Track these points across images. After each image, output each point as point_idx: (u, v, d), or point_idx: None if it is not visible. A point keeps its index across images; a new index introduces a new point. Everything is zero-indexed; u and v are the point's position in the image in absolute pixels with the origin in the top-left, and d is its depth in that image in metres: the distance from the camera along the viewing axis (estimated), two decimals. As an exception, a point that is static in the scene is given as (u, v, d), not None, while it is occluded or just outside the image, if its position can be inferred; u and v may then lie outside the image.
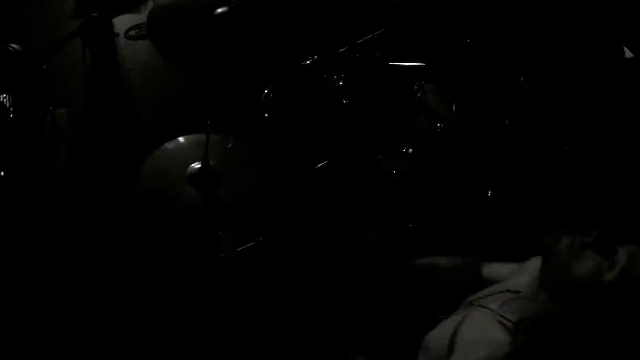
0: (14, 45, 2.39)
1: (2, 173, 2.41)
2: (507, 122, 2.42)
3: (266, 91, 2.27)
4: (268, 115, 2.26)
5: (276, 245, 2.27)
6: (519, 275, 1.64)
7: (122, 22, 2.86)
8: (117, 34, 2.59)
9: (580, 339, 1.28)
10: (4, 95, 2.35)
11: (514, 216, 2.26)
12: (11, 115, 2.36)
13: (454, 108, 2.50)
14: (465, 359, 1.37)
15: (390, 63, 2.58)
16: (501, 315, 1.38)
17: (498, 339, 1.33)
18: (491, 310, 1.44)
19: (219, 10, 2.06)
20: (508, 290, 1.54)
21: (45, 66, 2.40)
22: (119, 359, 2.14)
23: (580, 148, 2.26)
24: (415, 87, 2.58)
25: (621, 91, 2.37)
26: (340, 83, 2.42)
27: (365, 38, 2.54)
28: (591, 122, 2.32)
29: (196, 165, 2.18)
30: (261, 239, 2.29)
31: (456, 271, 2.00)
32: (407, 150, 2.46)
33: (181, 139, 2.31)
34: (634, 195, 2.17)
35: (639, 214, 2.11)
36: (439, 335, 1.57)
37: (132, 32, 2.63)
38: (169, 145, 2.30)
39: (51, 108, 2.48)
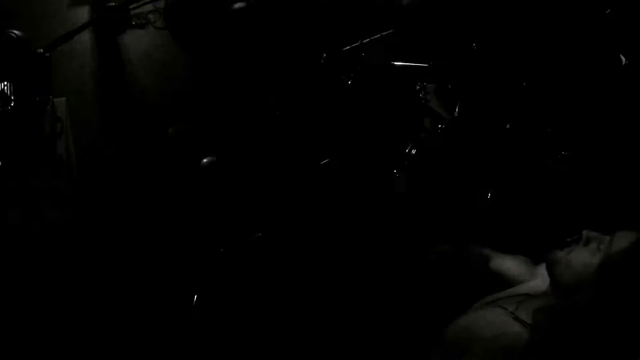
0: (15, 32, 2.30)
1: (1, 163, 2.35)
2: (508, 125, 2.49)
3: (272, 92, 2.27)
4: (278, 113, 2.26)
5: (277, 241, 2.29)
6: (534, 280, 1.70)
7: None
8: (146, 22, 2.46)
9: (590, 335, 1.34)
10: (5, 83, 2.28)
11: (514, 217, 2.33)
12: (12, 104, 2.30)
13: (456, 110, 2.56)
14: (483, 352, 1.40)
15: (394, 63, 2.63)
16: (517, 316, 1.43)
17: (515, 333, 1.37)
18: (507, 310, 1.50)
19: (237, 5, 2.02)
20: (526, 294, 1.61)
21: (48, 54, 2.32)
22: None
23: (577, 155, 2.33)
24: (418, 87, 2.63)
25: (618, 96, 2.46)
26: (349, 82, 2.43)
27: (372, 38, 2.56)
28: (589, 127, 2.40)
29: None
30: (260, 234, 2.31)
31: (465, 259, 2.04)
32: (410, 150, 2.50)
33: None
34: (629, 199, 2.26)
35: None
36: (455, 329, 1.61)
37: (134, 21, 2.57)
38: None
39: (51, 97, 2.41)
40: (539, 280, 1.65)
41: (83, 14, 2.74)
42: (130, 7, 1.92)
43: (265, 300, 2.18)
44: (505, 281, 1.78)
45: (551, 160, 2.41)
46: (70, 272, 2.26)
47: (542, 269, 1.86)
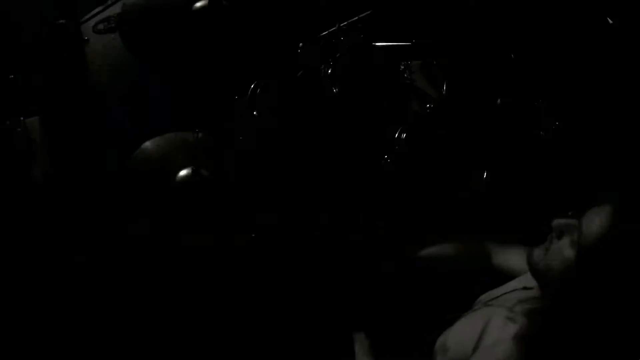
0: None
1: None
2: (499, 101, 2.40)
3: (253, 86, 2.16)
4: (257, 111, 2.15)
5: (271, 241, 2.22)
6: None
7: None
8: (87, 40, 2.38)
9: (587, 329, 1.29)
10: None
11: (510, 197, 2.27)
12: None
13: (444, 88, 2.47)
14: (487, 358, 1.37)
15: (375, 44, 2.52)
16: (516, 314, 1.40)
17: (516, 336, 1.33)
18: (507, 308, 1.46)
19: (198, 4, 1.90)
20: (524, 288, 1.56)
21: (12, 76, 2.22)
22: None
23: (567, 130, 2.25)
24: (402, 67, 2.53)
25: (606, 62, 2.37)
26: (329, 71, 2.32)
27: (350, 20, 2.44)
28: (580, 99, 2.32)
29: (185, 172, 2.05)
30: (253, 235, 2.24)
31: (465, 255, 2.01)
32: (400, 135, 2.41)
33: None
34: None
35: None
36: (458, 335, 1.58)
37: (100, 26, 2.44)
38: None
39: (22, 118, 2.31)
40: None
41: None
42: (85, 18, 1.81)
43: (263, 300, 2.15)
44: (509, 276, 1.73)
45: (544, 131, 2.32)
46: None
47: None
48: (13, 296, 2.15)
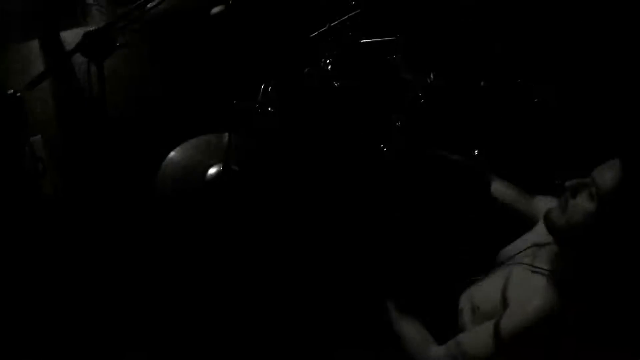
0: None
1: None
2: (482, 83, 2.59)
3: (263, 87, 2.26)
4: (270, 110, 2.25)
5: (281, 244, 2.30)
6: (537, 227, 1.76)
7: (73, 37, 2.71)
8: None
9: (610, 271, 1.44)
10: (-20, 127, 2.16)
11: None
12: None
13: (430, 77, 2.64)
14: (522, 309, 1.45)
15: (363, 40, 2.67)
16: (538, 267, 1.51)
17: (546, 288, 1.44)
18: (526, 264, 1.56)
19: (216, 9, 1.98)
20: (534, 245, 1.67)
21: (19, 94, 2.21)
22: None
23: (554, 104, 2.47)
24: (390, 61, 2.68)
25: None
26: (329, 67, 2.45)
27: (339, 20, 2.58)
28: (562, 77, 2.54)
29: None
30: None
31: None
32: (396, 123, 2.56)
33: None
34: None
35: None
36: (485, 295, 1.65)
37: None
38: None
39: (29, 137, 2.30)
40: (539, 227, 1.70)
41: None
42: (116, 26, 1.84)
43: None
44: (502, 206, 1.86)
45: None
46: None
47: (537, 202, 1.97)
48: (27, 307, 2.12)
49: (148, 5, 1.95)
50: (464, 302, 1.74)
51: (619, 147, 1.44)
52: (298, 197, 2.33)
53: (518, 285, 1.55)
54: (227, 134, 1.99)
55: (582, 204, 1.38)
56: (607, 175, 1.35)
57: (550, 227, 1.48)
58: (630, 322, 1.41)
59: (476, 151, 2.50)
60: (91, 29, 1.79)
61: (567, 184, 1.43)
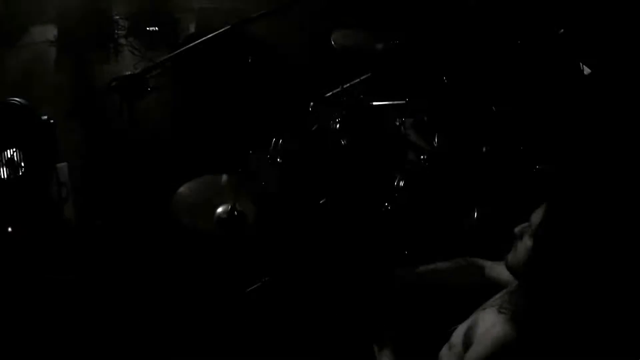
0: (19, 100, 2.42)
1: (10, 229, 2.42)
2: (485, 149, 2.73)
3: (275, 140, 2.45)
4: (280, 161, 2.43)
5: (283, 284, 2.42)
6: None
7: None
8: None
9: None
10: (14, 150, 2.37)
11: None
12: (22, 171, 2.39)
13: (435, 141, 2.79)
14: (483, 341, 1.57)
15: (373, 103, 2.86)
16: (505, 307, 1.63)
17: (504, 322, 1.56)
18: (496, 306, 1.67)
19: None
20: (508, 292, 1.77)
21: (52, 120, 2.44)
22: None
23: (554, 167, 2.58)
24: (397, 123, 2.86)
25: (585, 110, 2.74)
26: (337, 126, 2.62)
27: (352, 82, 2.80)
28: (560, 141, 2.66)
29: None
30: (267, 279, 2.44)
31: (456, 272, 2.21)
32: (398, 183, 2.69)
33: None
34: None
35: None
36: (459, 333, 1.76)
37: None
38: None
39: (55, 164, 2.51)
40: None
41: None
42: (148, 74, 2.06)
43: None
44: (501, 286, 1.95)
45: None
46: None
47: None
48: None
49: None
50: (455, 338, 1.83)
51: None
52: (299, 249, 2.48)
53: (481, 325, 1.67)
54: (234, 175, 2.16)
55: (525, 242, 1.59)
56: (537, 214, 1.58)
57: (508, 268, 1.68)
58: (583, 347, 1.53)
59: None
60: (128, 73, 2.02)
61: (515, 230, 1.64)
